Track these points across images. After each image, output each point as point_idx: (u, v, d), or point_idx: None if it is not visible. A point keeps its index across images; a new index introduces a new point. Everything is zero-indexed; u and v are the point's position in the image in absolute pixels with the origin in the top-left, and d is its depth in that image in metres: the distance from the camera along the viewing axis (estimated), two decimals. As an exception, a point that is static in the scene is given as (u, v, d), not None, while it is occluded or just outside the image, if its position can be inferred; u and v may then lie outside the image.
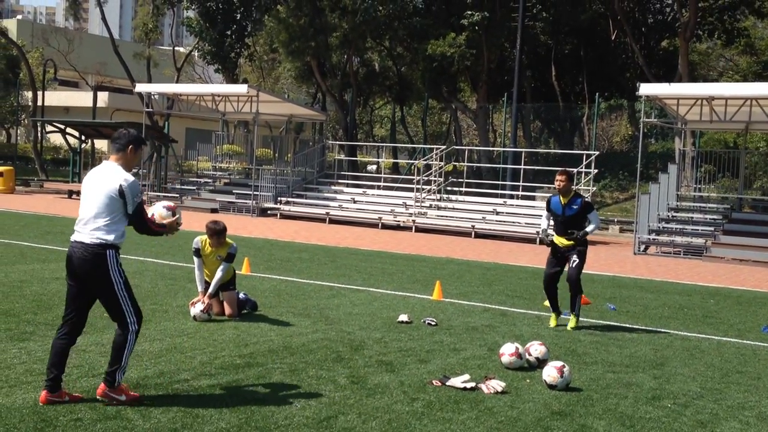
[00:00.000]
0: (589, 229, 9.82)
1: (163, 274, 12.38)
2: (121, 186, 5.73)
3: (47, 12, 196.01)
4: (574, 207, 9.75)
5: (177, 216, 6.21)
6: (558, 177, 9.81)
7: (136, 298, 6.01)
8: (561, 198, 9.85)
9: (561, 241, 9.90)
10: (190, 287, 10.45)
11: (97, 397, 5.74)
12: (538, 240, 23.55)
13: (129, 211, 5.79)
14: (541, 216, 10.40)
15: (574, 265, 9.78)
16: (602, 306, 11.81)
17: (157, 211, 6.17)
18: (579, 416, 6.15)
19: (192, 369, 6.87)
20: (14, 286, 10.51)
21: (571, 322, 9.81)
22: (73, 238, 5.85)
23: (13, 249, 14.53)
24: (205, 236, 9.45)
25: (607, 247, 23.47)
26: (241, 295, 9.69)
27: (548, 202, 10.07)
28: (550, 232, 10.07)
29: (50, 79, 50.71)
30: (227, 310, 9.37)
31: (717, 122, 23.51)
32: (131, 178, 5.82)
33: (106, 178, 5.82)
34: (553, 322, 9.98)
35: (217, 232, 9.33)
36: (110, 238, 5.76)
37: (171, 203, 6.34)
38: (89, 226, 5.77)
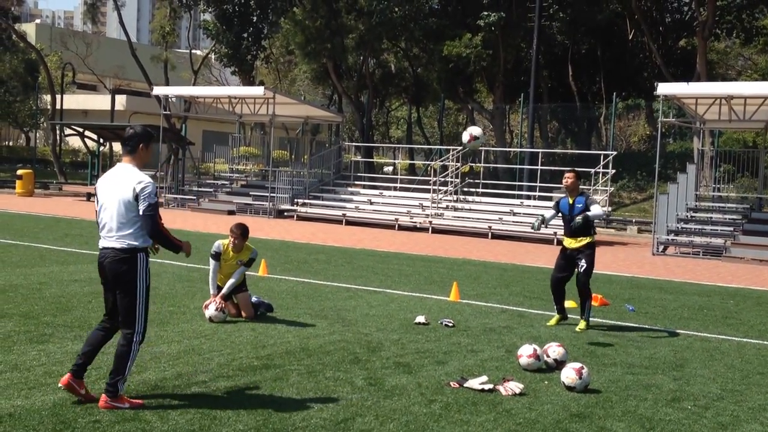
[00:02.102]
0: (591, 213, 9.67)
1: (181, 276, 12.42)
2: (134, 189, 5.76)
3: (65, 16, 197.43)
4: (579, 205, 9.79)
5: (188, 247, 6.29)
6: (566, 175, 9.95)
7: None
8: (569, 198, 9.90)
9: (569, 242, 9.87)
10: (207, 289, 10.46)
11: (100, 409, 5.67)
12: (555, 241, 23.46)
13: (140, 210, 5.77)
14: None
15: (582, 270, 9.72)
16: (621, 307, 11.73)
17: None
18: (598, 418, 6.11)
19: (210, 371, 6.88)
20: (33, 288, 10.58)
21: (581, 325, 9.74)
22: (102, 244, 5.90)
23: (33, 251, 14.63)
24: (227, 240, 9.45)
25: (625, 247, 23.33)
26: (254, 299, 9.70)
27: (557, 203, 10.13)
28: (546, 222, 10.07)
29: (69, 83, 51.03)
30: (243, 312, 9.38)
31: (736, 121, 23.31)
32: (146, 180, 5.82)
33: (122, 182, 5.83)
34: (552, 322, 9.97)
35: (244, 232, 9.39)
36: (139, 242, 5.85)
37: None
38: (116, 233, 5.82)
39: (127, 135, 6.00)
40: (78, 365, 5.84)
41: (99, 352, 6.05)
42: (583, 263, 9.74)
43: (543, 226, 10.14)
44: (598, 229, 10.19)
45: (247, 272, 9.72)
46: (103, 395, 5.74)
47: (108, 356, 7.12)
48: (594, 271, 10.00)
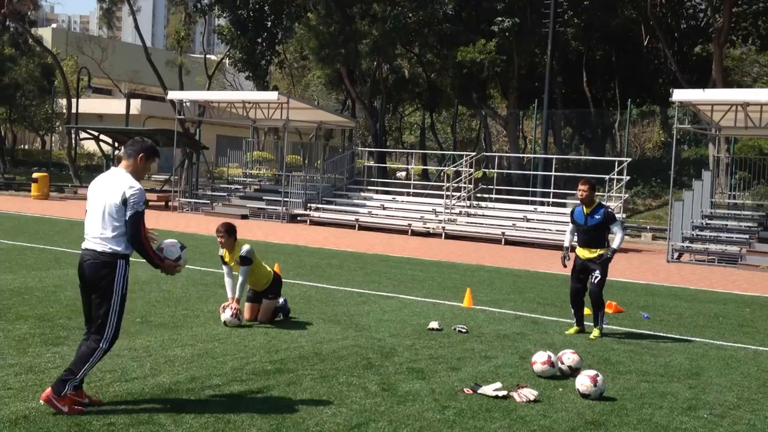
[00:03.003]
0: (615, 244, 9.58)
1: (195, 280, 12.44)
2: (124, 193, 5.68)
3: (81, 21, 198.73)
4: (597, 217, 9.61)
5: (180, 260, 6.07)
6: (580, 187, 9.67)
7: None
8: (584, 208, 9.73)
9: (583, 253, 9.78)
10: (221, 293, 10.48)
11: (41, 401, 5.59)
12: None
13: (126, 215, 5.67)
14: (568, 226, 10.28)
15: (596, 282, 9.64)
16: (636, 314, 11.67)
17: (166, 245, 6.07)
18: (613, 426, 6.07)
19: (223, 374, 6.88)
20: (49, 291, 10.63)
21: (594, 333, 9.67)
22: (84, 246, 5.82)
23: (48, 254, 14.71)
24: (224, 250, 9.41)
25: (639, 254, 23.21)
26: (281, 300, 9.69)
27: (572, 213, 9.96)
28: (571, 247, 9.95)
29: (84, 87, 51.33)
30: (260, 316, 9.37)
31: (752, 128, 23.15)
32: (137, 186, 5.75)
33: (112, 186, 5.77)
34: (571, 331, 9.91)
35: (219, 229, 9.29)
36: (120, 248, 5.73)
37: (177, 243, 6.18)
38: (99, 236, 5.73)
39: (132, 141, 5.95)
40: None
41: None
42: (597, 274, 9.66)
43: (568, 254, 9.98)
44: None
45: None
46: (49, 388, 5.62)
47: (122, 359, 7.14)
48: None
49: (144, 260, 5.90)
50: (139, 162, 5.87)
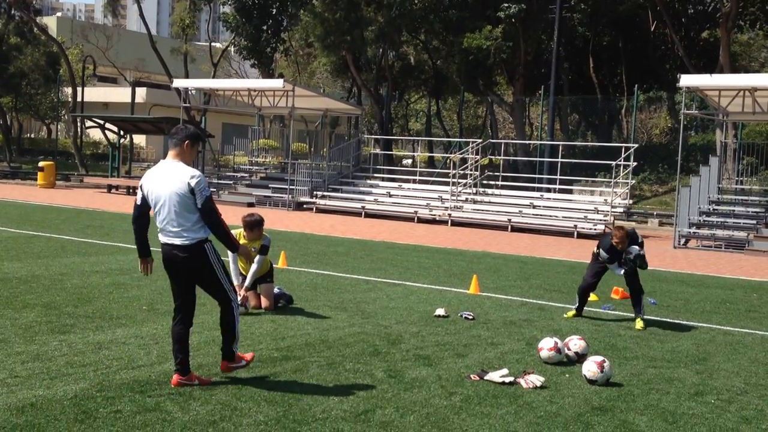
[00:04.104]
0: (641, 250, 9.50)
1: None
2: (189, 184, 5.87)
3: (86, 9, 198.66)
4: (629, 256, 9.47)
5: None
6: (615, 233, 9.50)
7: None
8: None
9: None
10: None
11: (221, 371, 6.33)
12: (575, 234, 23.33)
13: (198, 204, 5.89)
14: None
15: (629, 273, 9.60)
16: (642, 300, 11.62)
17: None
18: (620, 412, 6.06)
19: (230, 362, 6.88)
20: (55, 279, 10.65)
21: (638, 324, 9.51)
22: (165, 240, 6.02)
23: (54, 242, 14.74)
24: (240, 230, 9.47)
25: (646, 240, 23.07)
26: (276, 290, 9.71)
27: (606, 257, 9.70)
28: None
29: (89, 76, 51.37)
30: (264, 302, 9.39)
31: (759, 114, 23.05)
32: (197, 173, 5.95)
33: (173, 177, 5.91)
34: (569, 314, 9.92)
35: (252, 224, 9.35)
36: (202, 234, 6.01)
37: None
38: (178, 229, 5.94)
39: (176, 129, 6.13)
40: (179, 363, 6.05)
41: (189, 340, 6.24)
42: (621, 271, 9.65)
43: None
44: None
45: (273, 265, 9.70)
46: (223, 361, 6.32)
47: (128, 346, 7.15)
48: (615, 264, 9.88)
49: (222, 243, 6.21)
50: (186, 148, 6.05)
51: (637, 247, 9.53)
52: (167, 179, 5.93)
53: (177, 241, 5.97)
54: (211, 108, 38.37)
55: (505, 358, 7.57)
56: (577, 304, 10.00)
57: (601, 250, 9.73)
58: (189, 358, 6.12)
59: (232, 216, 10.13)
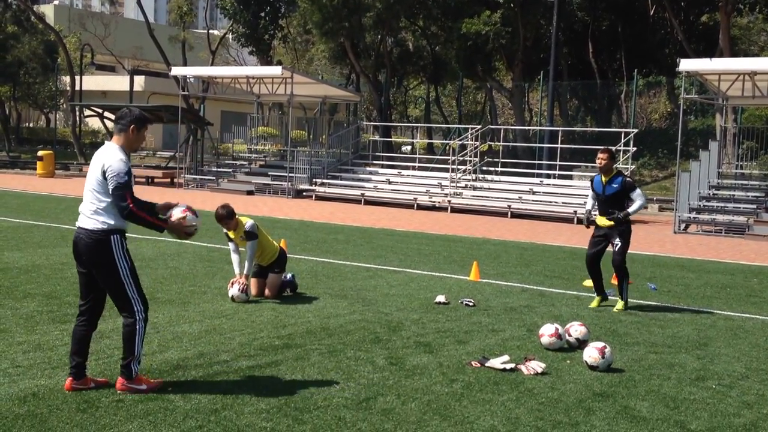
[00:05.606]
0: (631, 209, 9.59)
1: (202, 256, 12.45)
2: (103, 165, 5.50)
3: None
4: (614, 186, 9.61)
5: (189, 219, 5.80)
6: (599, 155, 9.66)
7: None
8: (602, 177, 9.71)
9: (602, 221, 9.78)
10: (228, 269, 10.50)
11: (118, 391, 5.57)
12: (575, 219, 23.32)
13: (109, 189, 5.48)
14: (587, 196, 10.31)
15: (617, 249, 9.64)
16: (643, 286, 11.65)
17: (176, 213, 5.81)
18: (621, 397, 6.07)
19: (231, 350, 6.89)
20: (55, 268, 10.64)
21: (618, 305, 9.63)
22: (78, 223, 5.67)
23: (54, 232, 14.73)
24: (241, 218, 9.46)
25: (646, 226, 23.14)
26: (289, 276, 9.70)
27: (591, 181, 9.98)
28: (594, 213, 10.00)
29: (87, 64, 51.12)
30: (266, 292, 9.38)
31: (759, 98, 23.01)
32: (117, 157, 5.52)
33: (100, 159, 5.58)
34: (594, 304, 9.85)
35: (218, 218, 9.22)
36: (112, 222, 5.55)
37: (187, 208, 5.90)
38: (89, 210, 5.58)
39: (121, 113, 5.74)
40: (74, 367, 5.62)
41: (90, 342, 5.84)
42: (617, 242, 9.65)
43: (591, 215, 10.04)
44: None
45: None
46: (120, 378, 5.64)
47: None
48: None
49: (150, 230, 5.75)
50: (131, 133, 5.67)
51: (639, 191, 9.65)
52: (96, 161, 5.59)
53: (85, 224, 5.57)
54: (210, 96, 38.26)
55: (506, 345, 7.57)
56: (594, 288, 9.94)
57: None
58: (86, 362, 5.71)
59: (231, 204, 10.06)
